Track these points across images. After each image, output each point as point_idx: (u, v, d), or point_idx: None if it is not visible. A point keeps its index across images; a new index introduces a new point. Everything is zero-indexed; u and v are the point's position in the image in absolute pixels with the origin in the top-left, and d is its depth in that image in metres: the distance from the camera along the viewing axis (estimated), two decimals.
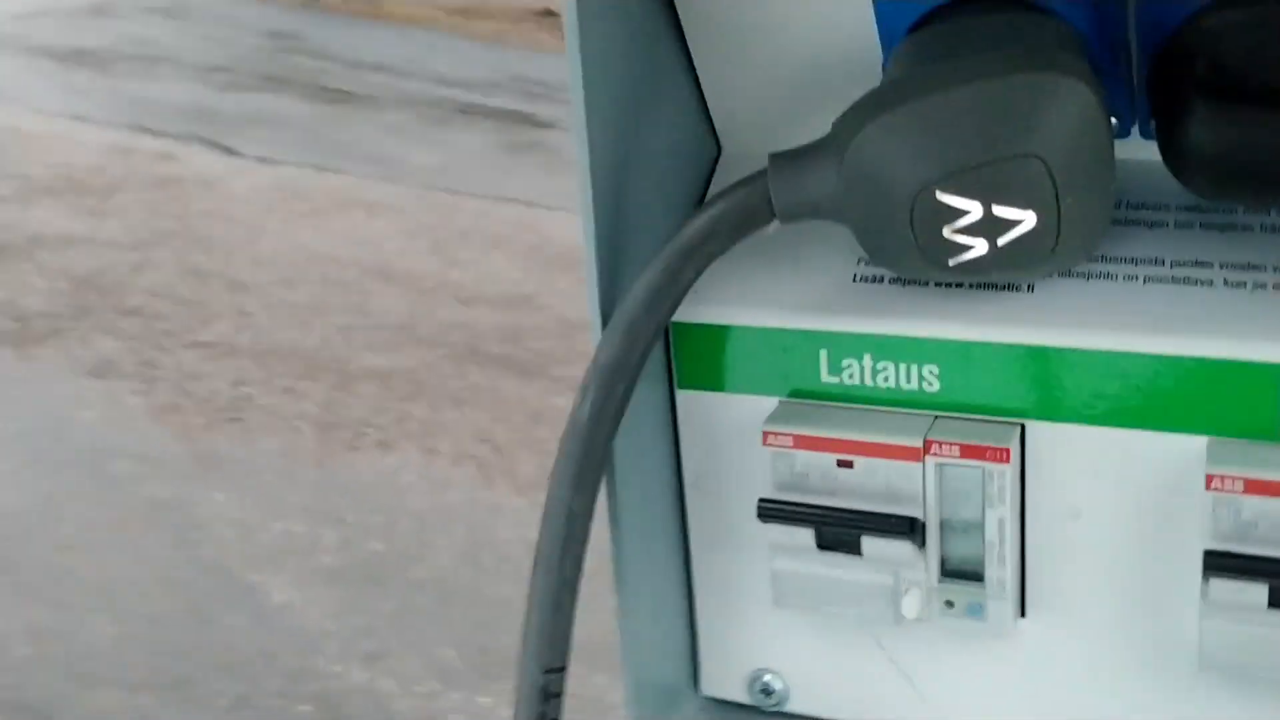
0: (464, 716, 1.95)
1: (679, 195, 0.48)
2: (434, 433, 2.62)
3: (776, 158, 0.41)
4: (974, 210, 0.38)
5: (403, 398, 2.74)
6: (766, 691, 0.51)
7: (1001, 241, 0.38)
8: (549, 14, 4.82)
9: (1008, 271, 0.40)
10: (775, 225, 0.41)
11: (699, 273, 0.42)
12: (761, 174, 0.41)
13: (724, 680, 0.51)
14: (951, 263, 0.39)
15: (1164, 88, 0.39)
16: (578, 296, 3.09)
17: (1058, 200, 0.37)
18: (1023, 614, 0.45)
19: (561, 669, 0.44)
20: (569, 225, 3.43)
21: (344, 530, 2.32)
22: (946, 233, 0.38)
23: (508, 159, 3.91)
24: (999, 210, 0.38)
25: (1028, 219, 0.38)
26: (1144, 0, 0.40)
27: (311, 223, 3.52)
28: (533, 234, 3.45)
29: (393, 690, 2.00)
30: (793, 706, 0.50)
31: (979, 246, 0.39)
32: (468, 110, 4.26)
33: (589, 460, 0.42)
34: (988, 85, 0.37)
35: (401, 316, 3.05)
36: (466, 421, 2.65)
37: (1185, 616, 0.42)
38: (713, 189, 0.49)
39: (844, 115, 0.39)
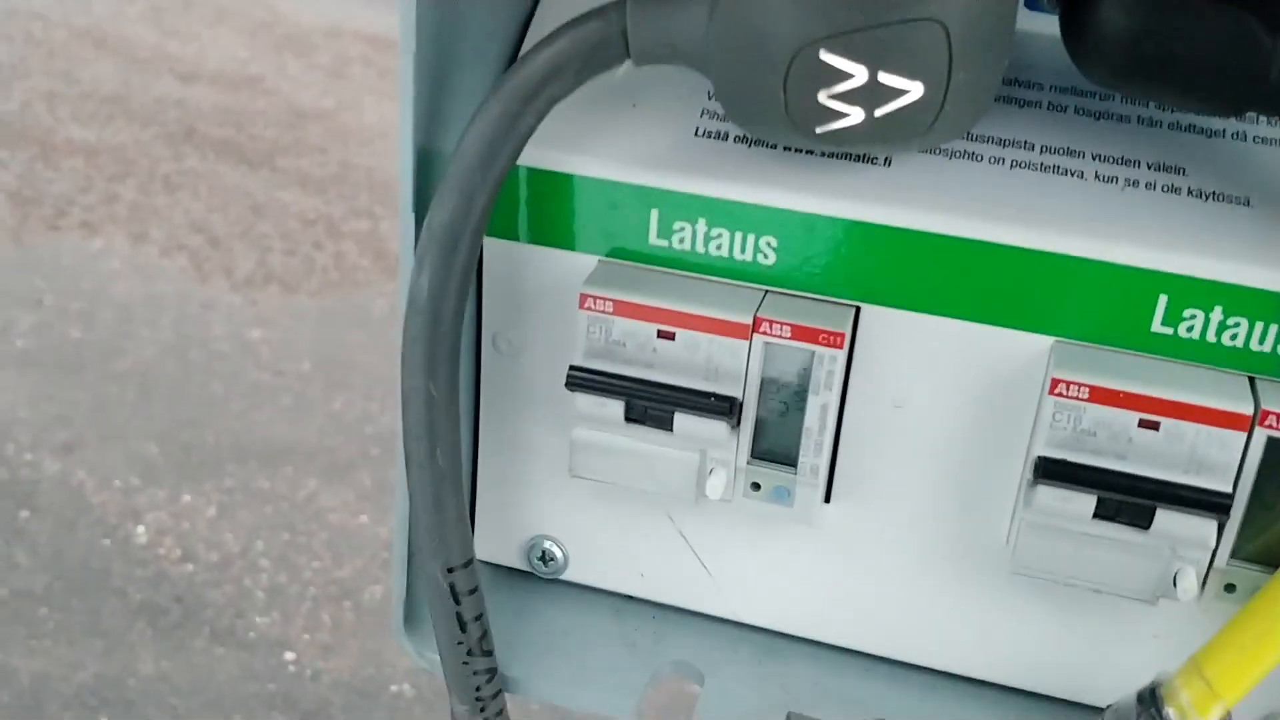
0: (164, 514, 1.88)
1: (508, 11, 0.42)
2: (144, 217, 2.46)
3: None
4: (858, 75, 0.34)
5: (110, 177, 2.56)
6: (544, 559, 0.47)
7: (880, 112, 0.34)
8: None
9: (875, 144, 0.36)
10: (626, 67, 0.36)
11: (540, 118, 0.37)
12: (617, 6, 0.36)
13: (499, 545, 0.47)
14: (819, 130, 0.35)
15: None
16: (310, 83, 2.94)
17: (950, 72, 0.34)
18: (827, 499, 0.43)
19: (467, 563, 0.41)
20: (301, 4, 3.24)
21: (41, 314, 2.18)
22: (822, 97, 0.34)
23: None
24: (885, 77, 0.34)
25: (914, 90, 0.34)
26: None
27: None
28: (262, 9, 3.24)
29: (87, 483, 1.91)
30: (571, 575, 0.47)
31: (854, 115, 0.35)
32: None
33: (439, 338, 0.38)
34: None
35: (113, 88, 2.84)
36: (180, 208, 2.50)
37: (999, 517, 0.41)
38: (540, 11, 0.43)
39: None
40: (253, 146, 2.71)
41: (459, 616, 0.41)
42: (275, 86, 2.93)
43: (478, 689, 0.43)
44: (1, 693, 1.57)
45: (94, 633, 1.67)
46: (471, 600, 0.42)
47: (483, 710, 0.44)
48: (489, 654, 0.43)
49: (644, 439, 0.41)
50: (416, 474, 0.39)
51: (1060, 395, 0.37)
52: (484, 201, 0.37)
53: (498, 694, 0.44)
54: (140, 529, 1.86)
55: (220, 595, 1.77)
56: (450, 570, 0.41)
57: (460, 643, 0.42)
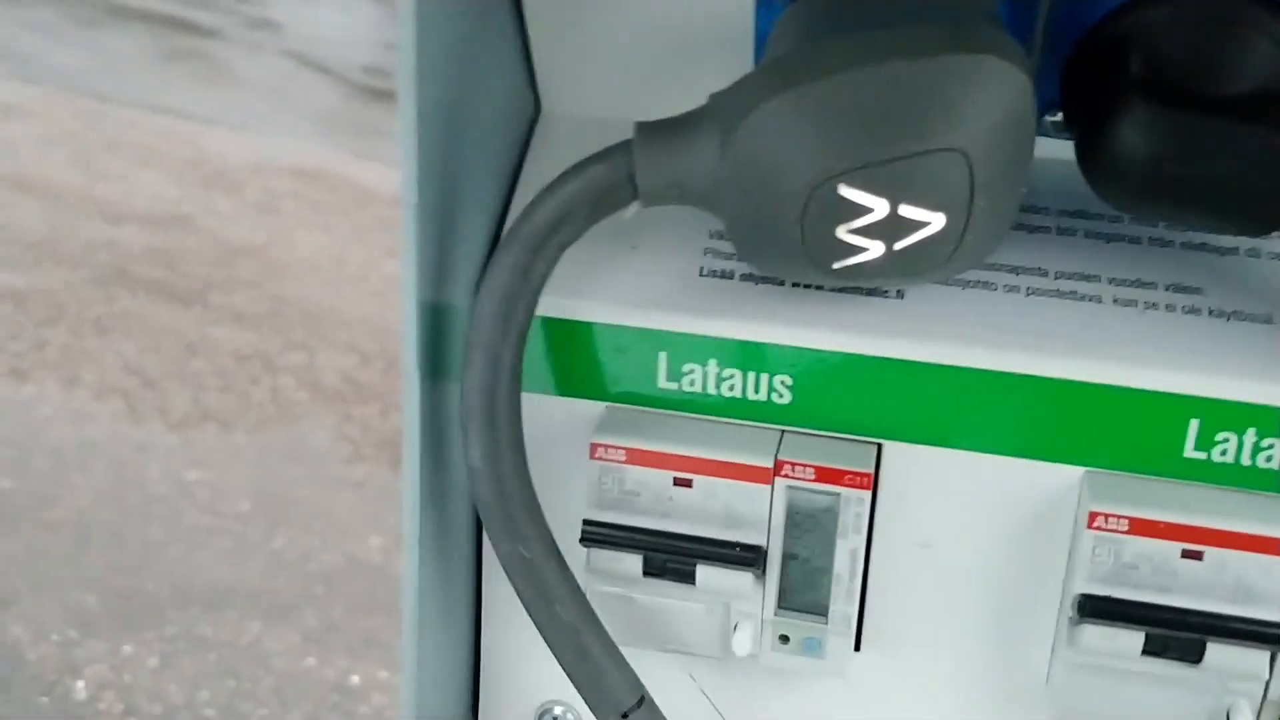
0: (105, 666, 1.82)
1: (501, 158, 0.41)
2: (75, 361, 2.41)
3: (645, 129, 0.34)
4: (879, 208, 0.33)
5: (40, 322, 2.51)
6: None
7: (900, 245, 0.33)
8: None
9: (894, 277, 0.35)
10: (634, 208, 0.35)
11: (551, 265, 0.36)
12: (621, 147, 0.35)
13: (507, 713, 0.45)
14: (836, 266, 0.34)
15: (1089, 82, 0.35)
16: (238, 218, 2.92)
17: (971, 201, 0.33)
18: (856, 648, 0.41)
19: (639, 701, 0.38)
20: (228, 141, 3.23)
21: None
22: (840, 232, 0.33)
23: (163, 67, 3.63)
24: (905, 210, 0.33)
25: (935, 221, 0.33)
26: None
27: None
28: (189, 149, 3.22)
29: (24, 638, 1.84)
30: None
31: (873, 249, 0.34)
32: (120, 11, 3.93)
33: (509, 501, 0.36)
34: (910, 65, 0.31)
35: (40, 232, 2.80)
36: (112, 350, 2.46)
37: (1039, 657, 0.39)
38: (533, 152, 0.42)
39: (731, 89, 0.34)
40: (184, 285, 2.68)
41: None
42: (205, 224, 2.91)
43: None
44: None
45: None
46: None
47: None
48: None
49: (664, 594, 0.39)
50: (548, 635, 0.38)
51: (1099, 529, 0.36)
52: (511, 357, 0.36)
53: None
54: (80, 684, 1.80)
55: None
56: (625, 716, 0.38)
57: None
